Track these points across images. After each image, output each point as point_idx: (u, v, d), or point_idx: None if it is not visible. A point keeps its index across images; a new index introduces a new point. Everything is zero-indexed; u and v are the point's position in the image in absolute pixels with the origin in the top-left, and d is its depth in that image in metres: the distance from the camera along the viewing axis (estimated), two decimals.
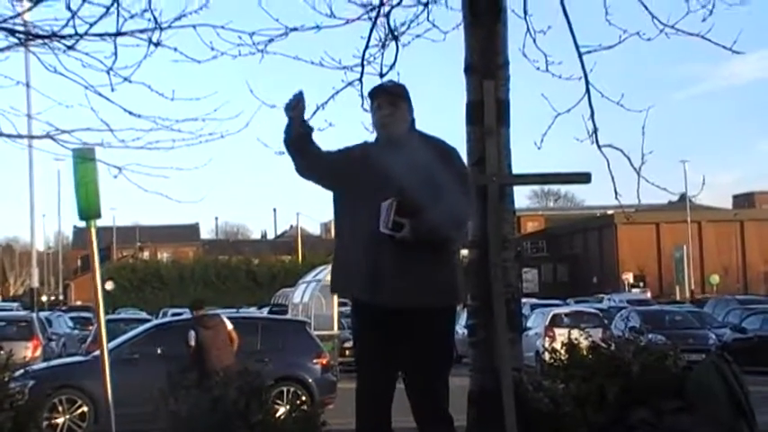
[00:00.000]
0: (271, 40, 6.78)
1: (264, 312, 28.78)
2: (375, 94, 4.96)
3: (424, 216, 4.51)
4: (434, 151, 4.77)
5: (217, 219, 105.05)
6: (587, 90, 6.99)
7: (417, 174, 4.60)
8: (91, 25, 5.54)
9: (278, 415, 7.89)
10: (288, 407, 8.17)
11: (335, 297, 20.07)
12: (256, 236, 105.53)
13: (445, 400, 4.71)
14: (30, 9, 5.74)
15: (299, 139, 4.83)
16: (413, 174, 4.60)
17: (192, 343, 12.62)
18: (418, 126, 4.89)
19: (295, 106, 4.80)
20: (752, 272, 70.48)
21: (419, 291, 4.57)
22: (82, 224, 7.91)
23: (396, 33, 7.23)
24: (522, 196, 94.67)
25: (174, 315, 28.44)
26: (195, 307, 13.29)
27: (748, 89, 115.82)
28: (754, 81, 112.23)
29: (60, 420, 12.45)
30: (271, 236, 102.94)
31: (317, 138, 4.92)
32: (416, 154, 4.69)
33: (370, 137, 5.18)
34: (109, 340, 9.69)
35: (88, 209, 7.74)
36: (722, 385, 6.35)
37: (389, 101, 4.82)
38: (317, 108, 7.18)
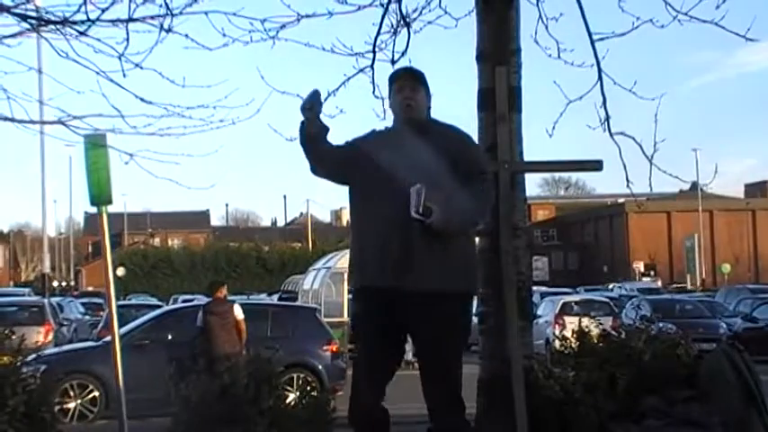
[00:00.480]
0: (282, 27, 6.76)
1: (274, 299, 28.84)
2: (399, 76, 4.98)
3: (453, 202, 4.54)
4: (455, 138, 4.81)
5: (227, 205, 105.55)
6: (599, 77, 6.95)
7: (443, 159, 4.62)
8: (103, 11, 5.54)
9: (288, 401, 7.92)
10: (298, 393, 8.19)
11: (345, 284, 20.10)
12: (267, 223, 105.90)
13: (459, 386, 4.73)
14: None
15: (312, 139, 4.82)
16: (439, 159, 4.62)
17: (198, 324, 12.72)
18: (434, 113, 4.93)
19: (311, 106, 4.77)
20: (763, 261, 70.24)
21: (446, 274, 4.60)
22: (93, 210, 7.91)
23: (407, 20, 7.19)
24: (533, 184, 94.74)
25: (184, 301, 28.52)
26: (212, 289, 13.31)
27: (761, 77, 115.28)
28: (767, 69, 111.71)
29: (72, 405, 12.52)
30: (281, 223, 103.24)
31: (332, 135, 4.91)
32: (440, 139, 4.72)
33: (380, 124, 5.17)
34: (120, 326, 9.73)
35: (99, 195, 7.75)
36: (733, 374, 6.33)
37: (411, 85, 4.84)
38: (329, 94, 7.15)
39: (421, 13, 7.20)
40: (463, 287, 4.74)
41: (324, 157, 4.88)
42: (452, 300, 4.65)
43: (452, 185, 4.57)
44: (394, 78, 4.97)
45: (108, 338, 10.89)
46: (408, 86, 4.82)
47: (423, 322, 4.63)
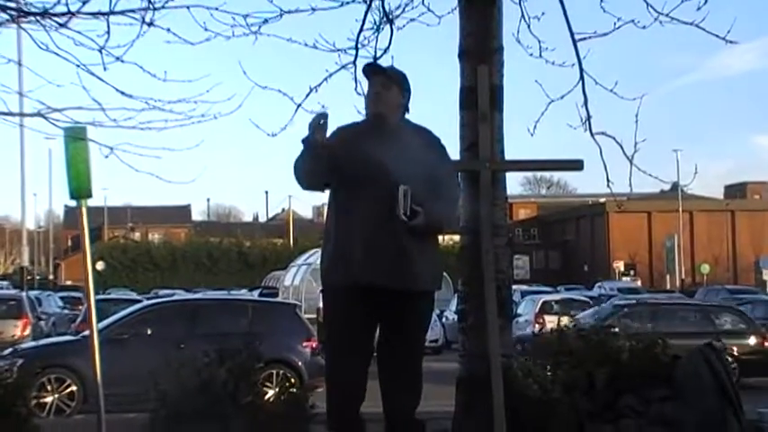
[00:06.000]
0: (265, 22, 6.74)
1: (255, 295, 28.77)
2: (372, 71, 5.03)
3: (435, 205, 4.65)
4: (426, 140, 4.88)
5: (209, 200, 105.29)
6: (581, 77, 6.97)
7: (420, 162, 4.69)
8: (84, 3, 5.50)
9: (267, 397, 7.90)
10: (277, 389, 8.17)
11: None
12: (248, 218, 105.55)
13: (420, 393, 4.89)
14: None
15: (314, 163, 4.73)
16: (416, 161, 4.69)
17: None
18: (413, 110, 4.98)
19: (318, 129, 4.67)
20: (742, 262, 70.68)
21: (427, 274, 4.77)
22: (73, 203, 7.84)
23: (390, 17, 7.19)
24: (515, 183, 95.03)
25: (164, 296, 28.40)
26: None
27: (742, 80, 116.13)
28: (748, 72, 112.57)
29: (49, 399, 12.43)
30: (262, 218, 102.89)
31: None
32: (413, 140, 4.78)
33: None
34: (99, 320, 9.67)
35: (79, 188, 7.69)
36: (710, 374, 6.37)
37: (381, 81, 4.91)
38: (311, 90, 7.16)
39: (404, 10, 7.20)
40: (437, 286, 4.90)
41: (318, 175, 4.85)
42: (428, 298, 4.86)
43: (433, 187, 4.67)
44: (369, 72, 5.03)
45: (86, 332, 10.84)
46: (379, 82, 4.89)
47: (404, 319, 4.74)
